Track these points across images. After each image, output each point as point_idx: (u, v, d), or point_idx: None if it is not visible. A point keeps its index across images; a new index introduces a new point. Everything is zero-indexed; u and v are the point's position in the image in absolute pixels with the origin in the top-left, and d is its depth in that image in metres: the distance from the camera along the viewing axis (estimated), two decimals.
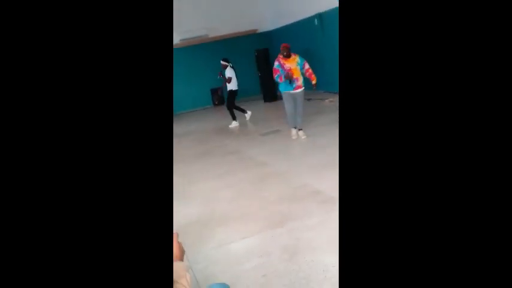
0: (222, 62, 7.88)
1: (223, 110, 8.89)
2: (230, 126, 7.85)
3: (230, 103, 7.92)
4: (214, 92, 12.07)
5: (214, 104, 12.16)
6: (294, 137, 5.61)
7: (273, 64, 5.39)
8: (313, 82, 5.37)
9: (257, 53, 10.62)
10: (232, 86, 7.79)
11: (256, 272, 2.38)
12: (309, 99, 8.38)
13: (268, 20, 11.88)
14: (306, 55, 9.96)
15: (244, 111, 8.11)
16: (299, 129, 5.60)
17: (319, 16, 9.45)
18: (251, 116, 8.10)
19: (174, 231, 1.48)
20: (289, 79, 5.20)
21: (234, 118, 7.90)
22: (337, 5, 8.60)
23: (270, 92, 10.54)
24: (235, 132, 7.19)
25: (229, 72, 7.78)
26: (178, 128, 8.76)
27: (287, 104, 5.47)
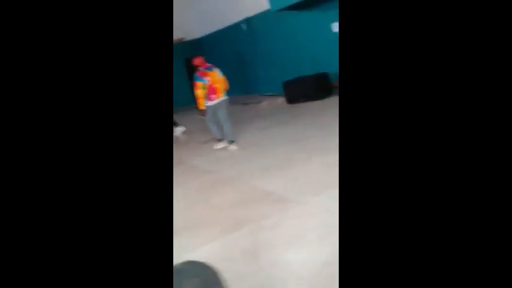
0: None
1: None
2: (175, 134, 7.58)
3: None
4: None
5: None
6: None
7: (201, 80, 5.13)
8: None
9: (186, 61, 10.53)
10: None
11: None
12: (246, 104, 8.49)
13: (195, 28, 11.85)
14: (236, 60, 10.11)
15: (175, 125, 7.74)
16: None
17: (247, 21, 9.63)
18: (186, 128, 7.83)
19: None
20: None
21: (174, 124, 7.66)
22: (264, 9, 8.94)
23: None
24: (175, 143, 7.05)
25: None
26: None
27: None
